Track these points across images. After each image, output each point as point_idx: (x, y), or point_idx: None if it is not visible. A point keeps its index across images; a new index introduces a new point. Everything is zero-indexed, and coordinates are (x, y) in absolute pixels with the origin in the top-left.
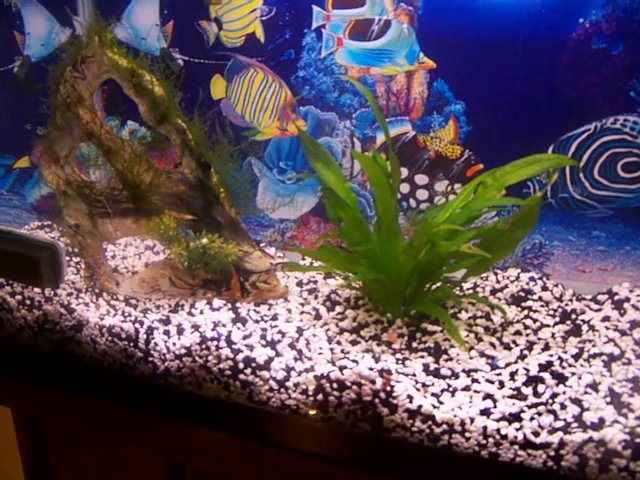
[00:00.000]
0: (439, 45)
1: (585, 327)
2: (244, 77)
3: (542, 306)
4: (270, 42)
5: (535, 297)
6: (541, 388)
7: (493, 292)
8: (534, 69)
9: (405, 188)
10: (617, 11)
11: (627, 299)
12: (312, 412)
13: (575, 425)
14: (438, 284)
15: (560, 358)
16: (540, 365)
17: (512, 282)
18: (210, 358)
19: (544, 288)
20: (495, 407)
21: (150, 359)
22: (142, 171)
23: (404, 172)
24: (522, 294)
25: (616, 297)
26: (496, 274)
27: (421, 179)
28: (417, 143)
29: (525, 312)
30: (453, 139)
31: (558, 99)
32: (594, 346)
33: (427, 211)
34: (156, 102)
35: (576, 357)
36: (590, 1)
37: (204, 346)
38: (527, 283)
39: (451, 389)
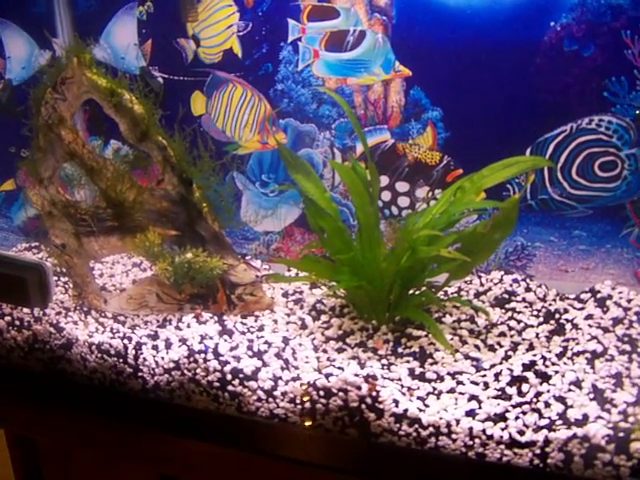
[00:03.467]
0: (414, 53)
1: (569, 326)
2: (223, 92)
3: (526, 307)
4: (247, 57)
5: (519, 298)
6: (525, 387)
7: (477, 295)
8: (508, 73)
9: (386, 196)
10: (586, 13)
11: (609, 296)
12: (303, 421)
13: (559, 422)
14: (423, 289)
15: (544, 357)
16: (524, 365)
17: (496, 285)
18: (198, 371)
19: (527, 289)
20: (480, 408)
21: (140, 374)
22: (125, 189)
23: (385, 180)
24: (506, 296)
25: (599, 295)
26: (480, 277)
27: (402, 186)
28: (396, 151)
29: (509, 314)
30: (432, 145)
31: (533, 102)
32: (577, 344)
33: (408, 218)
34: (136, 120)
35: (560, 356)
36: (560, 5)
37: (192, 359)
38: (510, 285)
39: (436, 392)
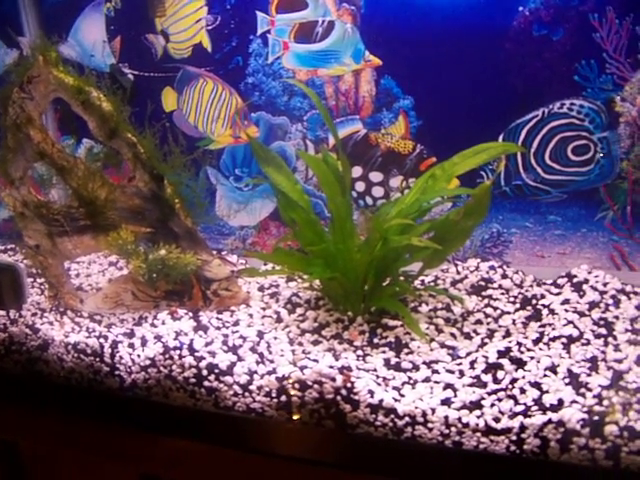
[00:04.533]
0: (384, 42)
1: (545, 311)
2: (194, 88)
3: (503, 294)
4: (217, 51)
5: (495, 285)
6: (501, 374)
7: (454, 283)
8: (479, 60)
9: (360, 186)
10: None
11: (586, 281)
12: (280, 414)
13: (535, 408)
14: (401, 278)
15: (519, 344)
16: (499, 352)
17: (472, 272)
18: (174, 367)
19: (504, 276)
20: (456, 396)
21: (117, 373)
22: (96, 187)
23: (358, 171)
24: (482, 283)
25: (575, 279)
26: (456, 265)
27: (375, 176)
28: (369, 141)
29: (486, 301)
30: (404, 134)
31: (505, 88)
32: (554, 329)
33: (380, 207)
34: (105, 118)
35: (536, 341)
36: None
37: (167, 356)
38: (487, 272)
39: (412, 381)
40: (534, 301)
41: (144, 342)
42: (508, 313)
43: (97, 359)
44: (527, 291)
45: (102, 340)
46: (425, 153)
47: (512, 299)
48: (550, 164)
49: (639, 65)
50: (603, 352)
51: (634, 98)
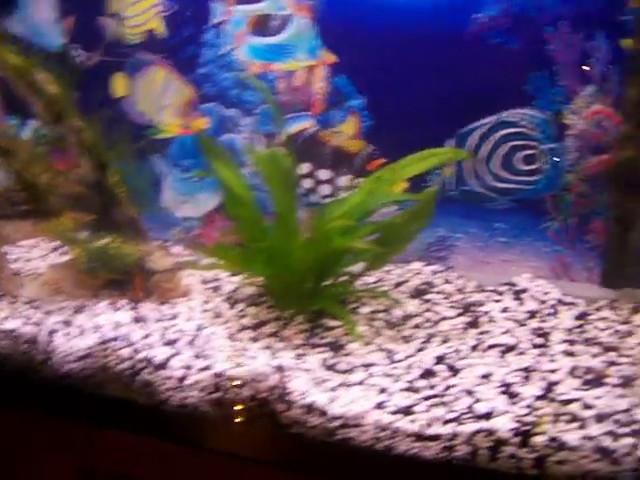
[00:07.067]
0: (340, 40)
1: (484, 318)
2: (145, 75)
3: (444, 299)
4: (171, 38)
5: (437, 290)
6: (435, 380)
7: (397, 285)
8: (434, 63)
9: (308, 184)
10: (512, 7)
11: (526, 290)
12: (214, 410)
13: (467, 416)
14: (343, 279)
15: (457, 350)
16: (436, 358)
17: (415, 275)
18: (111, 359)
19: (447, 281)
20: (389, 400)
21: (52, 362)
22: (40, 172)
23: (307, 168)
24: (424, 287)
25: (516, 288)
26: (401, 267)
27: (324, 174)
28: (319, 138)
29: (426, 305)
30: (355, 134)
31: (458, 93)
32: (491, 337)
33: (325, 206)
34: (51, 101)
35: (473, 349)
36: None
37: (104, 347)
38: (430, 276)
39: (347, 384)
40: (474, 308)
41: (82, 332)
42: (448, 318)
43: (33, 347)
44: (468, 297)
45: (39, 328)
46: (375, 153)
47: (453, 304)
48: (498, 172)
49: (589, 80)
50: (538, 362)
51: (582, 112)
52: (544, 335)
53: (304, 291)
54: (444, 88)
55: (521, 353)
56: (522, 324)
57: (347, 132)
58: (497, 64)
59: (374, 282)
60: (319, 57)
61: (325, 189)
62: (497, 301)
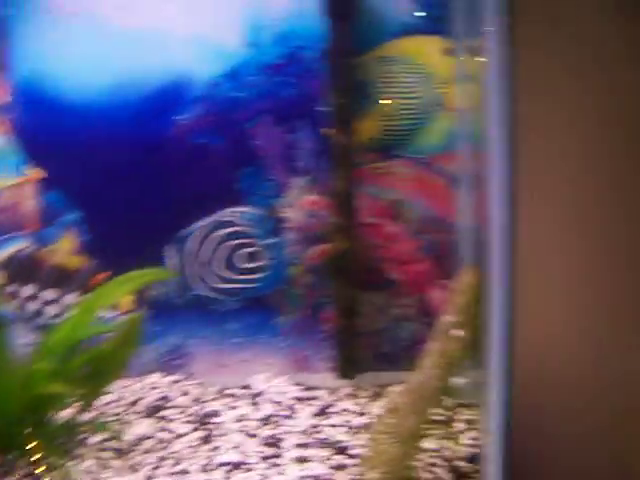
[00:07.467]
0: (46, 153)
1: (218, 431)
2: None
3: (180, 413)
4: None
5: (173, 404)
6: None
7: (133, 404)
8: (143, 170)
9: (34, 306)
10: (213, 106)
11: (261, 392)
12: None
13: None
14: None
15: (185, 472)
16: None
17: (153, 389)
18: None
19: (184, 392)
20: None
21: None
22: None
23: (30, 290)
24: (160, 403)
25: (252, 391)
26: (140, 381)
27: (49, 294)
28: (37, 258)
29: (161, 423)
30: (73, 249)
31: (170, 198)
32: (220, 454)
33: (43, 335)
34: None
35: (203, 469)
36: (183, 99)
37: None
38: (168, 388)
39: None
40: (209, 419)
41: None
42: (182, 436)
43: None
44: (206, 407)
45: None
46: (98, 267)
47: (189, 418)
48: (223, 273)
49: (298, 171)
50: (265, 477)
51: (296, 204)
52: (276, 444)
53: (24, 433)
54: (157, 193)
55: (247, 470)
56: (253, 436)
57: (65, 248)
58: (206, 165)
59: (112, 401)
60: (26, 173)
61: (52, 309)
62: (233, 408)
